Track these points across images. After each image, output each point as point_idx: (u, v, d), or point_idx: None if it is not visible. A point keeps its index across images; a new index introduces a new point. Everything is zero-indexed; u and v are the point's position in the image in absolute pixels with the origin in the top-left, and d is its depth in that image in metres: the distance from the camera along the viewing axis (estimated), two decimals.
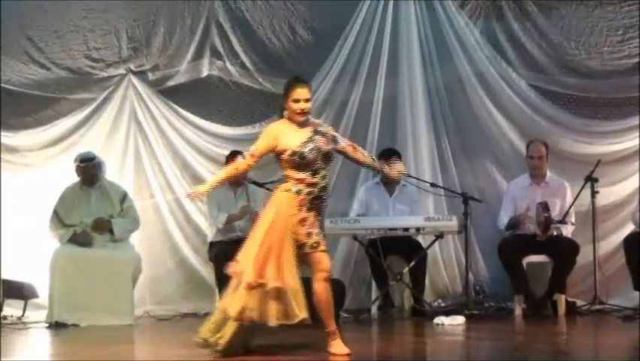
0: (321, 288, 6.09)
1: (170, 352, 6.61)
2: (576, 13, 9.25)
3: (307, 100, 5.99)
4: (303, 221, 5.96)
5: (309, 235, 5.97)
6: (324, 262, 6.06)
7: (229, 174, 6.23)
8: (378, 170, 6.59)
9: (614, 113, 9.16)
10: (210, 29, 9.47)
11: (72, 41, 9.39)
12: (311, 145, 5.97)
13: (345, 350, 6.02)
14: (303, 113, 5.99)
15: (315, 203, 6.02)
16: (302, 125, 6.02)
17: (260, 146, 6.07)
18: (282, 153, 6.00)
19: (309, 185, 5.98)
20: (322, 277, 6.07)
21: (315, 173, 5.99)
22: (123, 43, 9.44)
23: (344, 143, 6.22)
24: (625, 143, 9.10)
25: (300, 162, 5.95)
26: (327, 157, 6.05)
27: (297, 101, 5.97)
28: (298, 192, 5.97)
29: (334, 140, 6.12)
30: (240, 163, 6.15)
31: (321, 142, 6.01)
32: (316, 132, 6.03)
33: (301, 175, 5.98)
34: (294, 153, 5.95)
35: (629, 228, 8.62)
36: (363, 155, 6.33)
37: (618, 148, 9.09)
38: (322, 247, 6.03)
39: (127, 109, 9.38)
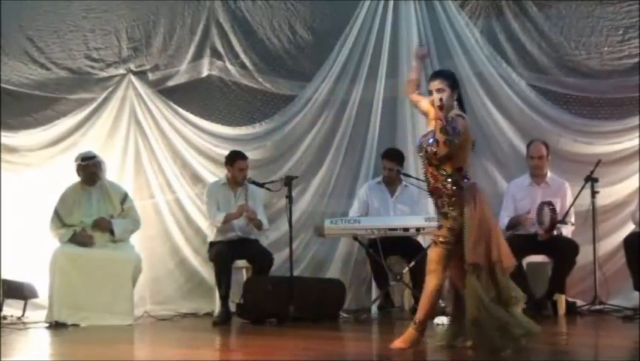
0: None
1: (169, 352, 6.62)
2: (576, 13, 9.25)
3: (438, 90, 5.98)
4: None
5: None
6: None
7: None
8: None
9: (614, 114, 9.16)
10: (210, 29, 9.47)
11: (72, 41, 9.38)
12: (424, 140, 6.09)
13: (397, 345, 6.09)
14: (434, 105, 5.99)
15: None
16: (438, 117, 5.97)
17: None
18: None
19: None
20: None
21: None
22: (123, 43, 9.43)
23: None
24: (625, 143, 9.09)
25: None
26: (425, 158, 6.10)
27: (430, 92, 6.07)
28: None
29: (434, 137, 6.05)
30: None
31: (425, 138, 6.09)
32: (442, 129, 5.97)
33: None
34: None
35: (629, 228, 8.62)
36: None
37: (618, 148, 9.09)
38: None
39: (127, 109, 9.37)
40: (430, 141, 6.01)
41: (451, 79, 6.11)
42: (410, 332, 6.13)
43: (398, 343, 6.12)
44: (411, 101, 6.49)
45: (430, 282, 6.06)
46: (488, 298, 5.93)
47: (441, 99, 5.95)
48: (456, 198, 5.98)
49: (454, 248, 6.00)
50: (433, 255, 6.06)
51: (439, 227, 6.07)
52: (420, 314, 6.12)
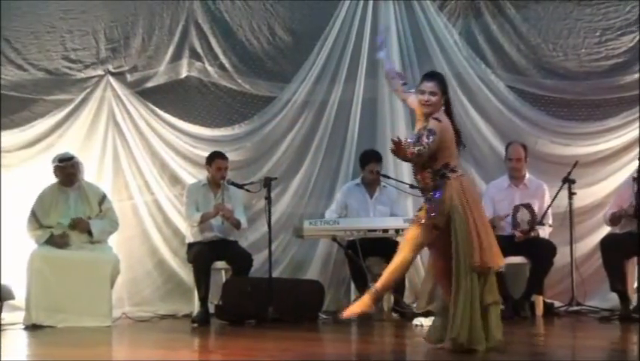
0: None
1: (148, 353, 6.60)
2: (554, 15, 9.29)
3: (432, 93, 6.11)
4: None
5: None
6: None
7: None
8: None
9: (591, 115, 9.21)
10: (189, 30, 9.44)
11: (49, 42, 9.32)
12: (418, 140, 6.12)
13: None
14: (427, 104, 6.13)
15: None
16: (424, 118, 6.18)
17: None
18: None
19: None
20: None
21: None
22: (101, 44, 9.38)
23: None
24: (602, 144, 9.14)
25: None
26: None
27: (422, 92, 6.15)
28: None
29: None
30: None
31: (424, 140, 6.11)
32: (422, 127, 6.15)
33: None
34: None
35: (606, 229, 8.66)
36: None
37: (595, 150, 9.14)
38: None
39: (105, 110, 9.33)
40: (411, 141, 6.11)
41: (443, 83, 6.24)
42: (365, 298, 6.19)
43: (350, 309, 6.21)
44: (399, 96, 6.68)
45: (397, 257, 6.16)
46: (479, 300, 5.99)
47: (429, 100, 6.10)
48: (440, 192, 6.07)
49: (430, 234, 6.07)
50: (408, 233, 6.16)
51: (420, 209, 6.18)
52: (379, 284, 6.19)
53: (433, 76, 6.31)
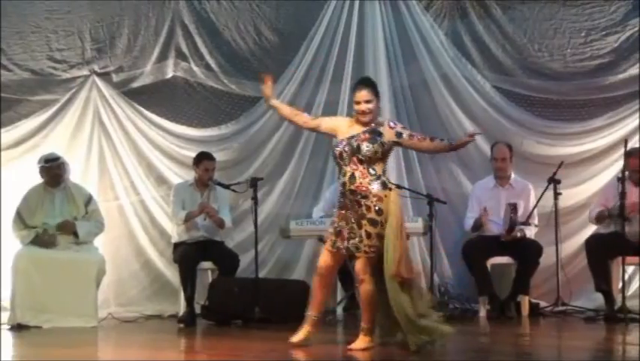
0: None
1: (134, 354, 6.59)
2: (539, 16, 9.33)
3: (367, 101, 6.27)
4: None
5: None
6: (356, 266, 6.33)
7: (292, 115, 6.58)
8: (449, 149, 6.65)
9: (576, 115, 9.25)
10: (175, 30, 9.43)
11: (34, 42, 9.28)
12: (348, 142, 6.27)
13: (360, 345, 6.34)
14: (364, 113, 6.29)
15: (341, 199, 6.35)
16: (363, 125, 6.33)
17: (325, 118, 6.63)
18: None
19: (341, 180, 6.34)
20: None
21: (341, 170, 6.33)
22: (87, 44, 9.36)
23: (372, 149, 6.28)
24: (587, 145, 9.18)
25: (334, 155, 6.34)
26: (352, 153, 6.24)
27: (357, 103, 6.30)
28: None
29: (371, 141, 6.26)
30: (302, 115, 6.58)
31: (361, 139, 6.25)
32: (370, 131, 6.29)
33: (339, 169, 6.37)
34: (334, 145, 6.40)
35: (591, 229, 8.70)
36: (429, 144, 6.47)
37: (580, 150, 9.18)
38: (358, 254, 6.26)
39: (90, 110, 9.30)
40: (365, 143, 6.23)
41: (376, 88, 6.41)
42: (363, 338, 6.37)
43: (356, 346, 6.35)
44: (310, 128, 6.68)
45: (364, 290, 6.32)
46: (411, 307, 6.19)
47: (370, 109, 6.28)
48: (383, 203, 6.18)
49: (376, 257, 6.24)
50: (361, 265, 6.25)
51: (368, 236, 6.20)
52: (365, 321, 6.38)
53: (364, 83, 6.45)
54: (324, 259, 6.42)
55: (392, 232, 6.16)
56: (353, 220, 6.26)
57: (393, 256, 6.12)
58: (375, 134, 6.29)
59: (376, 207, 6.20)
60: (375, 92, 6.36)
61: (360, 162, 6.25)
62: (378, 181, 6.24)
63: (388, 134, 6.33)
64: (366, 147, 6.23)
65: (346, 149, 6.26)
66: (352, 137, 6.29)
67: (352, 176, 6.25)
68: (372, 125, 6.33)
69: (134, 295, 9.15)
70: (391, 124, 6.39)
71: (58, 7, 9.32)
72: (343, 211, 6.32)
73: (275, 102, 6.67)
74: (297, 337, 6.52)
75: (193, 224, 8.55)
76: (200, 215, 8.54)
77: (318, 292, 6.56)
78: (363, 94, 6.31)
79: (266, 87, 6.58)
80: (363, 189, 6.22)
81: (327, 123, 6.53)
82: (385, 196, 6.22)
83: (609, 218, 8.21)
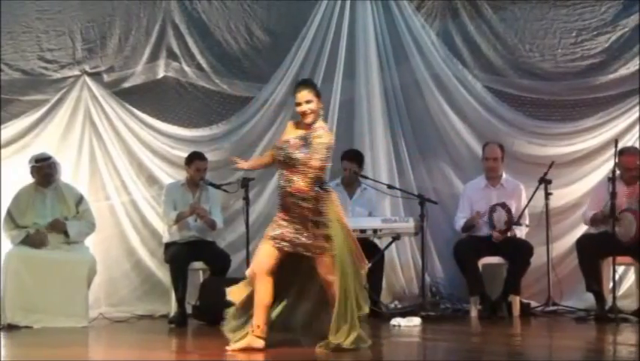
0: None
1: (125, 354, 6.59)
2: (530, 16, 9.33)
3: (307, 102, 6.28)
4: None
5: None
6: None
7: (266, 161, 6.63)
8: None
9: (567, 115, 9.26)
10: (166, 30, 9.41)
11: (25, 42, 9.24)
12: (284, 146, 6.28)
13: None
14: (305, 114, 6.29)
15: (280, 203, 6.35)
16: (305, 127, 6.33)
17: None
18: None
19: (279, 185, 6.37)
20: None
21: (280, 173, 6.33)
22: (78, 44, 9.33)
23: (306, 154, 6.27)
24: (578, 145, 9.20)
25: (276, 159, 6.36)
26: (286, 163, 6.26)
27: (298, 104, 6.31)
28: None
29: (305, 146, 6.28)
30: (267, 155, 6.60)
31: (292, 146, 6.27)
32: (302, 137, 6.29)
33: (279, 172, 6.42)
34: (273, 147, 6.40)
35: (582, 229, 8.72)
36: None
37: (571, 150, 9.19)
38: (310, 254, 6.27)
39: (81, 110, 9.27)
40: (294, 149, 6.26)
41: (317, 89, 6.41)
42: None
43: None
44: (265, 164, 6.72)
45: (337, 287, 6.24)
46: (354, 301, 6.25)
47: (307, 110, 6.28)
48: (323, 204, 6.24)
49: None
50: (330, 264, 6.21)
51: (315, 237, 6.22)
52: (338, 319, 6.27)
53: (305, 84, 6.48)
54: (267, 259, 6.33)
55: (340, 230, 6.26)
56: (297, 222, 6.25)
57: (353, 249, 6.29)
58: (304, 140, 6.28)
59: (318, 209, 6.22)
60: (316, 93, 6.35)
61: (295, 165, 6.25)
62: (316, 183, 6.25)
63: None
64: (294, 154, 6.24)
65: (280, 154, 6.29)
66: (286, 141, 6.32)
67: (290, 179, 6.26)
68: (312, 127, 6.30)
69: (125, 295, 9.13)
70: (320, 131, 6.31)
71: (49, 7, 9.29)
72: (285, 214, 6.30)
73: (254, 165, 6.83)
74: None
75: (184, 224, 8.55)
76: (190, 216, 8.53)
77: (266, 294, 6.38)
78: (304, 94, 6.30)
79: (242, 166, 6.70)
80: (302, 191, 6.22)
81: (279, 140, 6.47)
82: (323, 197, 6.24)
83: (604, 219, 8.19)
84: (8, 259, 8.15)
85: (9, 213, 8.40)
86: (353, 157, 8.84)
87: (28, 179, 8.52)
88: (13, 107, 9.19)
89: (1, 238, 8.50)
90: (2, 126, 9.13)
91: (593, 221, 8.37)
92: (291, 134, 6.36)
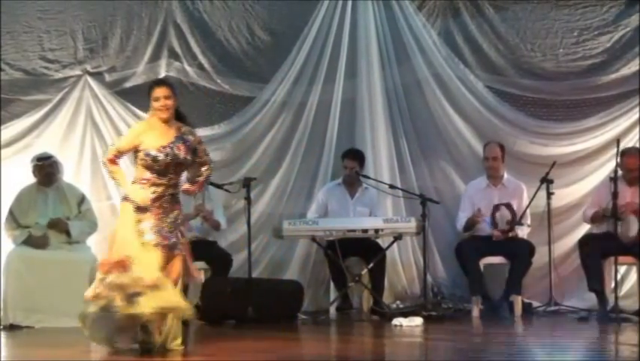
0: None
1: (126, 354, 6.57)
2: (532, 15, 9.33)
3: (167, 97, 6.32)
4: (138, 222, 6.24)
5: (140, 232, 6.21)
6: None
7: (123, 179, 6.45)
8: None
9: (569, 115, 9.26)
10: (168, 30, 9.40)
11: (26, 42, 9.24)
12: (168, 151, 6.25)
13: None
14: (165, 109, 6.30)
15: (157, 203, 6.27)
16: (169, 125, 6.32)
17: (122, 142, 6.39)
18: (139, 151, 6.29)
19: (153, 185, 6.27)
20: None
21: (162, 175, 6.28)
22: (79, 44, 9.33)
23: (200, 158, 6.44)
24: (580, 144, 9.20)
25: (153, 164, 6.24)
26: (179, 166, 6.33)
27: (157, 99, 6.32)
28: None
29: (194, 151, 6.38)
30: (115, 165, 6.40)
31: (180, 150, 6.28)
32: (180, 138, 6.32)
33: (148, 175, 6.26)
34: (148, 155, 6.23)
35: (584, 229, 8.72)
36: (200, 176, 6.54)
37: (573, 150, 9.19)
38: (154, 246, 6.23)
39: (83, 110, 9.27)
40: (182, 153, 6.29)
41: (174, 89, 6.49)
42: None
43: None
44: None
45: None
46: None
47: (166, 105, 6.32)
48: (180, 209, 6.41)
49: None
50: (184, 262, 6.33)
51: (182, 235, 6.36)
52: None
53: (163, 81, 6.68)
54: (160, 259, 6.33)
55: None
56: (169, 220, 6.31)
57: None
58: (186, 143, 6.34)
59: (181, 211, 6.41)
60: (174, 92, 6.43)
61: (175, 169, 6.32)
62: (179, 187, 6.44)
63: (195, 141, 6.42)
64: (183, 157, 6.30)
65: (170, 160, 6.26)
66: (170, 146, 6.28)
67: (173, 185, 6.35)
68: (182, 130, 6.37)
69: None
70: (192, 137, 6.42)
71: (50, 6, 9.29)
72: (161, 213, 6.30)
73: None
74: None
75: (186, 224, 8.53)
76: (195, 217, 8.52)
77: None
78: (163, 89, 6.35)
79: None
80: (177, 194, 6.39)
81: (127, 144, 6.36)
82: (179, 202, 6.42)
83: (604, 218, 8.19)
84: (10, 259, 8.15)
85: (11, 212, 8.40)
86: (354, 156, 8.84)
87: (30, 179, 8.52)
88: (14, 107, 9.19)
89: (2, 237, 8.50)
90: (3, 126, 9.13)
91: (594, 219, 8.38)
92: (167, 136, 6.30)
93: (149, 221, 6.23)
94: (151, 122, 6.39)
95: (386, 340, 7.15)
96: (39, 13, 9.27)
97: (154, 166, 6.24)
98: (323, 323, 8.22)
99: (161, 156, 6.22)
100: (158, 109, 6.31)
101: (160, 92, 6.33)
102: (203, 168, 6.52)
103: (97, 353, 6.52)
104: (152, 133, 6.29)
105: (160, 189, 6.27)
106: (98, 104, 9.29)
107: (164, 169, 6.25)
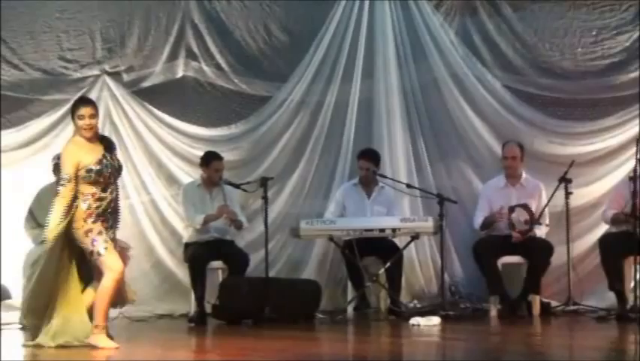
0: (102, 284, 6.57)
1: (145, 353, 6.59)
2: (550, 15, 9.31)
3: (91, 116, 6.53)
4: (88, 232, 6.48)
5: (93, 243, 6.48)
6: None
7: (68, 210, 6.56)
8: None
9: (587, 114, 9.23)
10: (185, 30, 9.42)
11: (45, 42, 9.27)
12: (105, 162, 6.51)
13: (112, 344, 6.58)
14: (90, 128, 6.55)
15: (103, 216, 6.52)
16: (92, 142, 6.57)
17: (70, 169, 6.51)
18: (79, 170, 6.49)
19: (98, 199, 6.50)
20: (110, 277, 6.54)
21: (104, 189, 6.52)
22: (97, 44, 9.36)
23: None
24: (598, 144, 9.16)
25: (97, 178, 6.47)
26: (118, 172, 6.64)
27: (81, 117, 6.51)
28: (88, 207, 6.49)
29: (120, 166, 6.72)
30: (67, 193, 6.52)
31: (114, 160, 6.61)
32: (107, 149, 6.64)
33: (92, 190, 6.48)
34: (90, 171, 6.46)
35: (603, 228, 8.68)
36: None
37: (591, 149, 9.16)
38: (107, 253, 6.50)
39: (101, 110, 9.18)
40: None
41: (97, 107, 6.74)
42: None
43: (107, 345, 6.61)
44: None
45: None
46: None
47: (90, 124, 6.55)
48: None
49: None
50: (119, 267, 6.58)
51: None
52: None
53: (89, 100, 6.87)
54: (119, 261, 6.59)
55: None
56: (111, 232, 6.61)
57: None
58: (113, 153, 6.68)
59: None
60: (97, 111, 6.66)
61: (115, 179, 6.62)
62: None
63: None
64: (119, 165, 6.67)
65: (110, 170, 6.54)
66: (105, 157, 6.55)
67: (115, 196, 6.64)
68: (102, 144, 6.63)
69: (145, 295, 9.09)
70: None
71: (69, 6, 9.32)
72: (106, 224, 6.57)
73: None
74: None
75: (205, 226, 8.53)
76: (219, 218, 8.51)
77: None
78: (88, 109, 6.57)
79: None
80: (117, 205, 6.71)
81: (73, 168, 6.50)
82: None
83: (626, 219, 8.13)
84: (29, 259, 8.17)
85: (30, 212, 8.43)
86: (369, 157, 8.83)
87: (50, 178, 8.55)
88: (34, 106, 9.23)
89: (16, 237, 8.53)
90: (23, 125, 9.17)
91: (614, 221, 8.34)
92: (94, 152, 6.53)
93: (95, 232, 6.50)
94: (77, 142, 6.60)
95: (404, 340, 7.14)
96: (57, 13, 9.29)
97: (99, 180, 6.48)
98: (340, 323, 8.22)
99: (102, 168, 6.48)
100: (84, 128, 6.53)
101: (85, 111, 6.56)
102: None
103: (115, 351, 6.53)
104: (83, 151, 6.53)
105: (104, 203, 6.53)
106: (116, 103, 9.32)
107: (108, 180, 6.52)
